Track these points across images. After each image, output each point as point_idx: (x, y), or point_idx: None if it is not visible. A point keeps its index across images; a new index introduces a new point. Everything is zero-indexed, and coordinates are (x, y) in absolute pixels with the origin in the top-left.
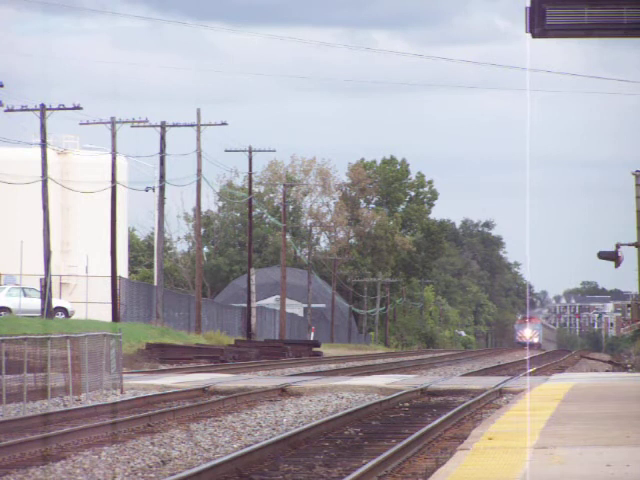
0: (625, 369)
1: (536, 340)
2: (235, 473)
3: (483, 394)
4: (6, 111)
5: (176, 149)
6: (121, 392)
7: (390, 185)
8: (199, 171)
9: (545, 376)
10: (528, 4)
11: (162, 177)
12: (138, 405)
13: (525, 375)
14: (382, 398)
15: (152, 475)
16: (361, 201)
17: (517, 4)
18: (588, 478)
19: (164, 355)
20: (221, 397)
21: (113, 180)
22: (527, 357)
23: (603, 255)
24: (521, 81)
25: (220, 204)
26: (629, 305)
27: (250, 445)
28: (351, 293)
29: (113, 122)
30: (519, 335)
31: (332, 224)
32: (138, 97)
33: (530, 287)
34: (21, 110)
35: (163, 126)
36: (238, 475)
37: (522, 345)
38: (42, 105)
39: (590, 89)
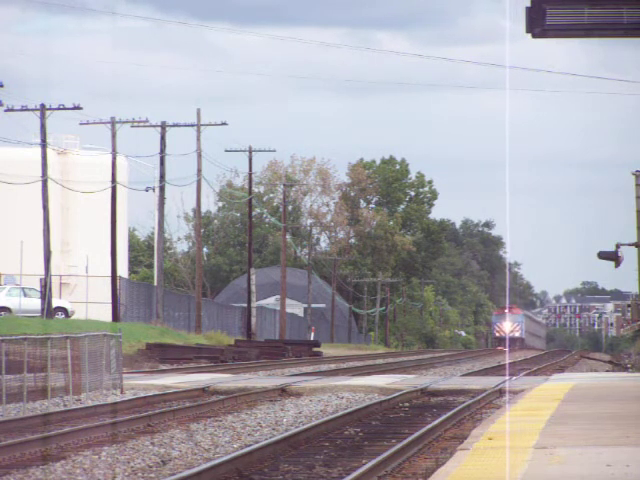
0: (625, 369)
1: (517, 334)
2: (235, 473)
3: (483, 394)
4: (6, 111)
5: (176, 149)
6: (121, 392)
7: (390, 185)
8: (199, 171)
9: (545, 376)
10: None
11: (162, 177)
12: (138, 405)
13: (526, 375)
14: (382, 398)
15: (152, 475)
16: (361, 201)
17: (518, 4)
18: (588, 478)
19: (164, 355)
20: (221, 397)
21: (113, 180)
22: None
23: (603, 255)
24: (521, 81)
25: (220, 204)
26: (629, 305)
27: (250, 445)
28: (351, 293)
29: (113, 122)
30: (497, 329)
31: (332, 224)
32: (138, 97)
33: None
34: (21, 110)
35: (163, 126)
36: (238, 475)
37: (500, 341)
38: (42, 105)
39: (591, 89)
